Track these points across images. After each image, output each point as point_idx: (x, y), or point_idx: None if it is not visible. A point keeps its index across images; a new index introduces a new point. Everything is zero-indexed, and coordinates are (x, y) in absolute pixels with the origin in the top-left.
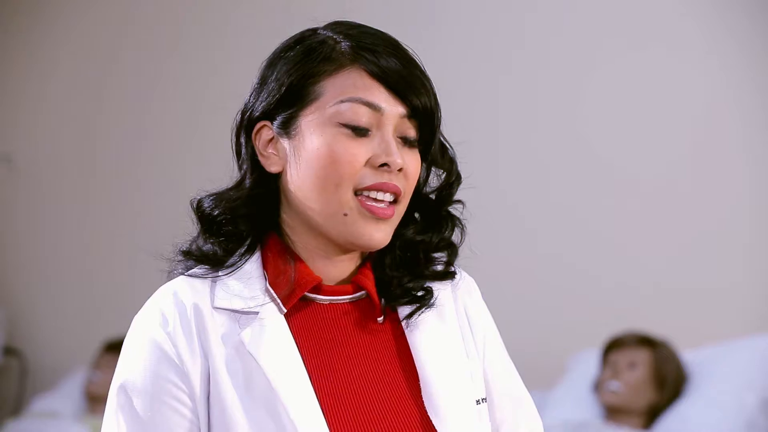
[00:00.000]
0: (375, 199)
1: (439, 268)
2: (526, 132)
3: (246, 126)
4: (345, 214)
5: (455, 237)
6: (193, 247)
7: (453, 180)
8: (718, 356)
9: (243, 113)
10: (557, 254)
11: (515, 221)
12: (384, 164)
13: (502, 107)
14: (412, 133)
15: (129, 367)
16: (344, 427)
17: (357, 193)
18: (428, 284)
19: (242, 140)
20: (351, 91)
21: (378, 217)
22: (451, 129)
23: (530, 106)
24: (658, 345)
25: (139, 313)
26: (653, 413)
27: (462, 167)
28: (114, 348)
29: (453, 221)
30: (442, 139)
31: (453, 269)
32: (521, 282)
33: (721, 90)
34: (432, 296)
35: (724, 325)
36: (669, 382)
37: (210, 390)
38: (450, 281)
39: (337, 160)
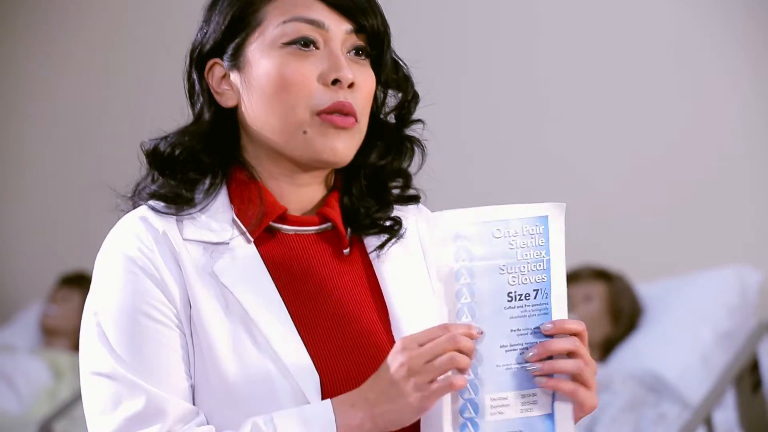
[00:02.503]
0: (332, 115)
1: (403, 192)
2: (488, 50)
3: (197, 65)
4: (305, 132)
5: (416, 158)
6: (154, 188)
7: (410, 98)
8: (673, 290)
9: (192, 53)
10: (515, 180)
11: (477, 142)
12: (335, 80)
13: (465, 23)
14: (361, 45)
15: (105, 290)
16: (323, 352)
17: (314, 113)
18: (396, 213)
19: (195, 78)
20: (292, 11)
21: (339, 127)
22: (405, 49)
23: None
24: (613, 278)
25: (108, 237)
26: (608, 346)
27: (419, 87)
28: (69, 281)
29: (413, 143)
30: (395, 57)
31: (415, 192)
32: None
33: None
34: (401, 227)
35: (680, 259)
36: (624, 315)
37: (191, 317)
38: (415, 205)
39: (288, 82)
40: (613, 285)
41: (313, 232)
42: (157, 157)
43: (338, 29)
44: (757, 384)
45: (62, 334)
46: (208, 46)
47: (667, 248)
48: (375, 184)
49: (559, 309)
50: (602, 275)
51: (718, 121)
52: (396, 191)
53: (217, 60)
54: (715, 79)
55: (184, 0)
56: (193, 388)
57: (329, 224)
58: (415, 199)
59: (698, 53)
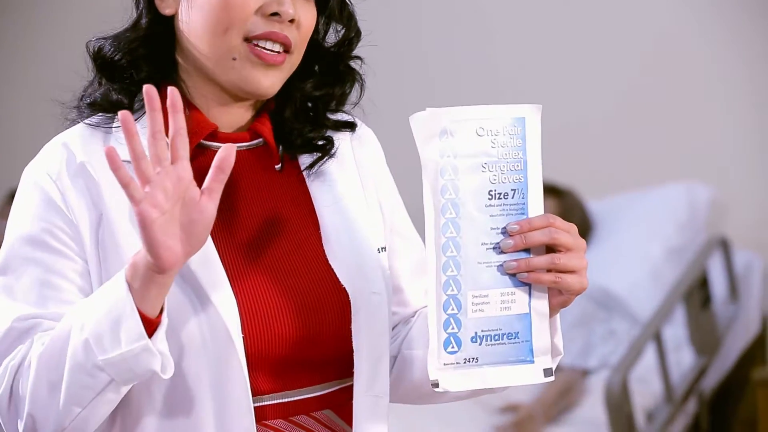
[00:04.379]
0: (264, 48)
1: (339, 117)
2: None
3: None
4: (234, 59)
5: (354, 92)
6: (96, 95)
7: (352, 36)
8: (623, 206)
9: None
10: (464, 102)
11: (419, 77)
12: (275, 13)
13: None
14: None
15: (16, 216)
16: (242, 273)
17: (246, 40)
18: (329, 134)
19: None
20: None
21: (267, 63)
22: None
23: None
24: (563, 194)
25: (31, 162)
26: None
27: (362, 24)
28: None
29: (353, 75)
30: None
31: (352, 119)
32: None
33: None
34: (333, 146)
35: (630, 175)
36: None
37: (103, 237)
38: (350, 131)
39: (227, 5)
40: (563, 201)
41: (243, 148)
42: (101, 60)
43: None
44: (706, 300)
45: None
46: None
47: (617, 164)
48: (309, 108)
49: (535, 209)
50: (553, 191)
51: (668, 37)
52: (331, 116)
53: None
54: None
55: None
56: None
57: (260, 140)
58: (350, 126)
59: None
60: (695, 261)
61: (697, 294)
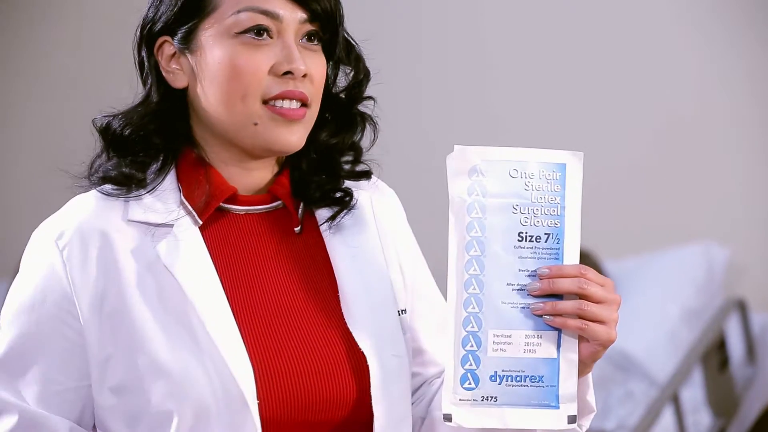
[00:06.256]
0: (283, 105)
1: (354, 168)
2: (442, 23)
3: (147, 41)
4: (255, 124)
5: (368, 136)
6: (107, 168)
7: (362, 77)
8: (641, 267)
9: (143, 28)
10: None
11: (429, 114)
12: (287, 72)
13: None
14: (314, 31)
15: (19, 281)
16: (258, 337)
17: (264, 102)
18: (346, 186)
19: (144, 55)
20: (247, 0)
21: (290, 120)
22: (355, 26)
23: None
24: (581, 255)
25: (40, 225)
26: None
27: (370, 63)
28: None
29: (365, 119)
30: (346, 36)
31: (367, 168)
32: (438, 178)
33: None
34: (352, 198)
35: (647, 236)
36: None
37: (112, 307)
38: (368, 182)
39: (240, 72)
40: (580, 262)
41: (263, 210)
42: (109, 136)
43: (292, 18)
44: (724, 362)
45: None
46: (159, 25)
47: (634, 226)
48: (325, 159)
49: (571, 256)
50: None
51: (684, 100)
52: (347, 166)
53: (167, 38)
54: (691, 61)
55: None
56: (87, 387)
57: (279, 202)
58: (366, 175)
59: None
60: (713, 323)
61: (714, 356)
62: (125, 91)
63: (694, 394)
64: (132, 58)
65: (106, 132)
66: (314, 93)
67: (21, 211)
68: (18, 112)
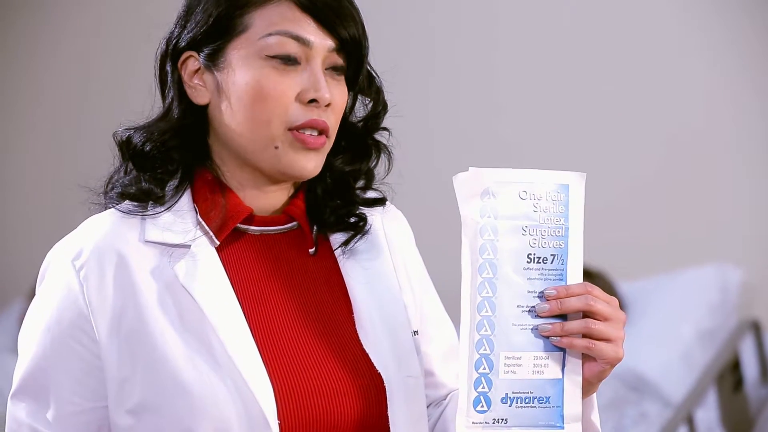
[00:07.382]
0: (305, 133)
1: (369, 194)
2: (457, 61)
3: (171, 55)
4: (276, 147)
5: (382, 164)
6: (125, 182)
7: (380, 109)
8: (654, 288)
9: (168, 42)
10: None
11: (443, 149)
12: (313, 100)
13: (432, 34)
14: (340, 64)
15: (36, 301)
16: (277, 358)
17: (289, 129)
18: (360, 211)
19: (168, 69)
20: (279, 24)
21: (309, 148)
22: (377, 58)
23: (457, 30)
24: (593, 277)
25: (56, 245)
26: None
27: (389, 96)
28: None
29: (379, 149)
30: (369, 68)
31: (382, 195)
32: (449, 209)
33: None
34: (366, 223)
35: (661, 257)
36: None
37: (130, 327)
38: (380, 207)
39: (266, 96)
40: (594, 283)
41: (278, 231)
42: (130, 151)
43: (321, 46)
44: (738, 383)
45: None
46: (186, 41)
47: (648, 247)
48: (340, 185)
49: (574, 276)
50: (583, 273)
51: (697, 120)
52: (361, 192)
53: (193, 53)
54: (700, 79)
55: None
56: (104, 408)
57: (295, 223)
58: (380, 202)
59: (681, 51)
60: (727, 344)
61: (729, 376)
62: (140, 104)
63: (708, 415)
64: (145, 71)
65: (127, 146)
66: (334, 122)
67: (35, 230)
68: (34, 128)
